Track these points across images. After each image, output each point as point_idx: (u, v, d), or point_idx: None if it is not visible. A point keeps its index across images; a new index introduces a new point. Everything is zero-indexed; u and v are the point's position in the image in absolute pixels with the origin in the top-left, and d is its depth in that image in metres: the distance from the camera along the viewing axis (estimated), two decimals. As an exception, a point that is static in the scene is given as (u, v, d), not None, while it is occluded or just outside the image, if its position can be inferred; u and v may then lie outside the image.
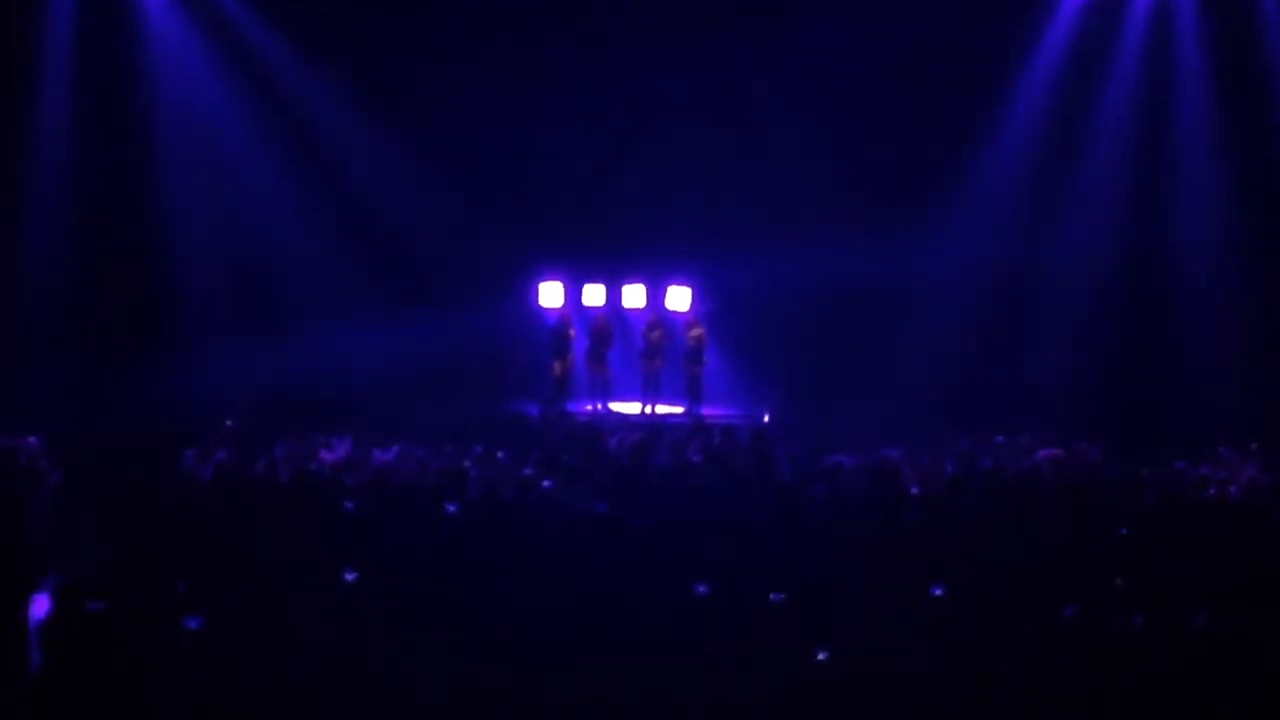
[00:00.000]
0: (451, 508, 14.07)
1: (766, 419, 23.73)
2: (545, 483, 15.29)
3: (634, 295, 26.15)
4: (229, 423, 19.90)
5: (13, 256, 23.71)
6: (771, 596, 11.52)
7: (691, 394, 24.70)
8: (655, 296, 25.98)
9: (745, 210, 25.40)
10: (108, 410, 21.44)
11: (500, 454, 17.44)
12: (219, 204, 25.15)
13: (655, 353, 24.89)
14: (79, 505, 14.62)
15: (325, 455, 17.58)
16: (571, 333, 24.93)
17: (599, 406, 24.72)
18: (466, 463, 16.75)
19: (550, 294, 26.03)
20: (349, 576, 12.02)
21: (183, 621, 10.65)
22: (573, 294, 26.08)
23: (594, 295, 26.13)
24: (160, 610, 10.82)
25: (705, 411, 24.38)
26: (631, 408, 24.81)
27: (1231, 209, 24.78)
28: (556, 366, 24.76)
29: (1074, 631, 11.08)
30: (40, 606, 10.86)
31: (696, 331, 24.67)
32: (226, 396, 22.39)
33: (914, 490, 15.84)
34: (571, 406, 24.46)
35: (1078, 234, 25.42)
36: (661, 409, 24.72)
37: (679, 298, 25.87)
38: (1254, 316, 24.50)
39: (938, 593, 11.73)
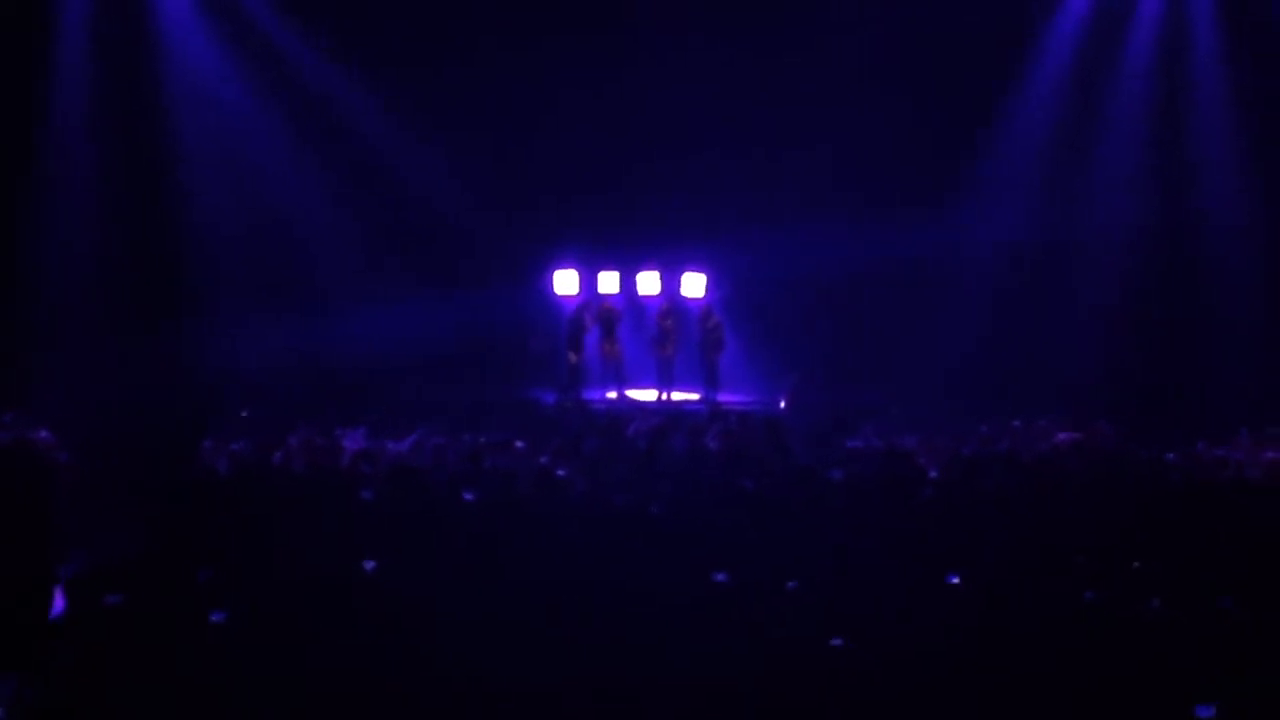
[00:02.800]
0: (469, 496, 14.07)
1: (783, 405, 23.72)
2: (560, 471, 15.29)
3: (648, 282, 26.15)
4: (244, 414, 19.94)
5: (33, 241, 23.73)
6: (788, 584, 11.50)
7: (708, 381, 24.69)
8: (670, 283, 25.99)
9: (760, 194, 25.48)
10: (126, 395, 21.47)
11: (519, 443, 17.45)
12: (240, 187, 25.23)
13: (667, 339, 24.88)
14: (96, 497, 14.63)
15: (346, 444, 17.57)
16: (587, 320, 24.90)
17: (616, 394, 24.71)
18: (483, 451, 16.73)
19: (566, 281, 26.05)
20: (368, 566, 12.02)
21: (205, 615, 10.64)
22: (588, 281, 26.09)
23: (609, 282, 26.14)
24: (180, 603, 10.82)
25: (721, 398, 24.37)
26: (648, 395, 24.81)
27: (1257, 186, 24.69)
28: (571, 355, 24.75)
29: (1092, 616, 11.06)
30: (55, 601, 10.87)
31: (714, 321, 24.64)
32: (245, 380, 22.51)
33: (932, 475, 15.80)
34: (588, 394, 24.48)
35: (1099, 214, 25.37)
36: (678, 396, 24.73)
37: (693, 284, 25.88)
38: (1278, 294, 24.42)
39: (954, 580, 11.71)
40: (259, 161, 25.41)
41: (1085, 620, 10.95)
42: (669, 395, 24.80)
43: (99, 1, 24.21)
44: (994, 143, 25.65)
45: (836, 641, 10.52)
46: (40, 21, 23.81)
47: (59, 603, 10.68)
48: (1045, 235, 25.54)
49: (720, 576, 11.75)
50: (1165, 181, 25.15)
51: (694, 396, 24.78)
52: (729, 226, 25.49)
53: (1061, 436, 18.11)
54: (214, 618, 10.63)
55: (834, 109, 24.79)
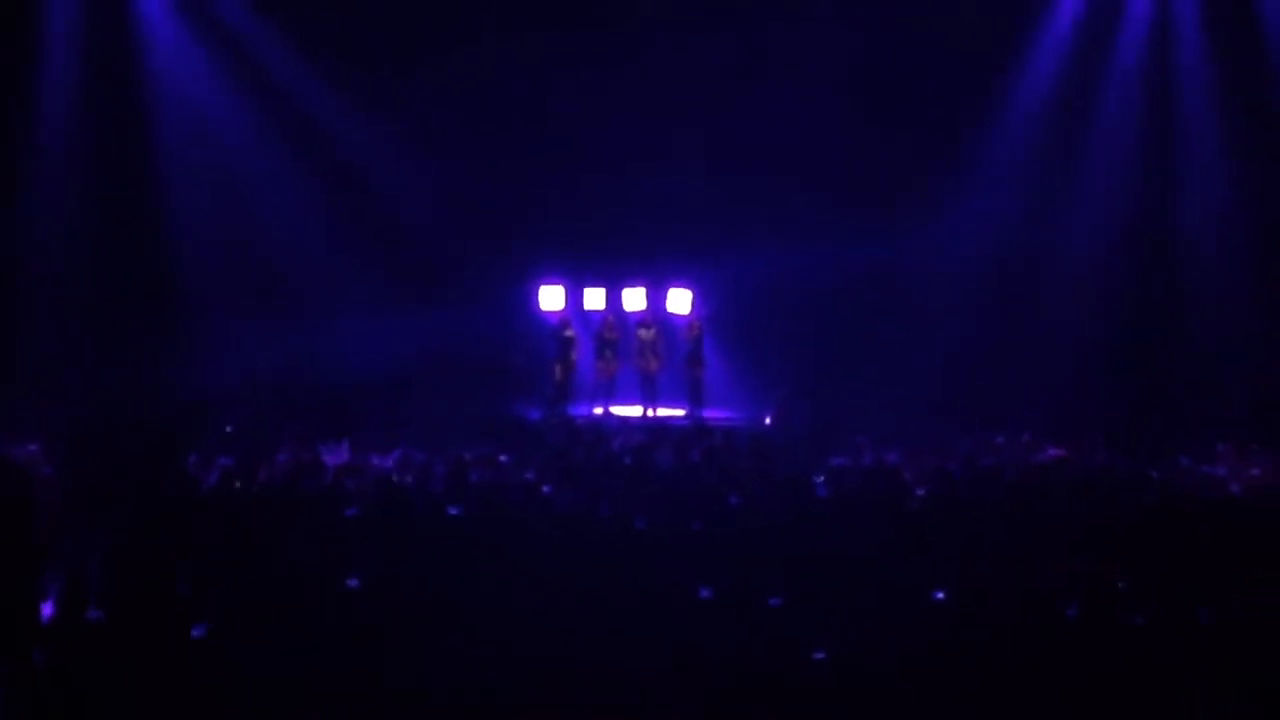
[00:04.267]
0: (454, 511, 14.06)
1: (768, 421, 23.70)
2: (546, 487, 15.28)
3: (634, 298, 26.12)
4: (229, 429, 19.88)
5: (15, 248, 23.60)
6: (770, 601, 11.51)
7: (692, 397, 24.67)
8: (656, 299, 25.94)
9: (744, 210, 25.37)
10: (108, 408, 21.39)
11: (503, 457, 17.43)
12: (224, 199, 25.09)
13: (648, 354, 24.85)
14: (79, 511, 14.60)
15: (328, 460, 17.52)
16: (572, 335, 24.89)
17: (601, 410, 24.68)
18: (468, 466, 16.69)
19: (551, 297, 26.00)
20: (352, 583, 12.01)
21: (187, 630, 10.64)
22: (573, 297, 26.05)
23: (594, 298, 26.11)
24: (163, 618, 10.80)
25: (707, 414, 24.35)
26: (633, 411, 24.78)
27: (1239, 200, 24.65)
28: (558, 369, 24.73)
29: (1077, 630, 11.07)
30: (43, 612, 10.85)
31: (694, 331, 24.64)
32: (228, 394, 22.42)
33: (918, 492, 15.80)
34: (573, 409, 24.44)
35: (1082, 225, 25.33)
36: (663, 412, 24.71)
37: (680, 300, 25.84)
38: (1261, 309, 24.35)
39: (939, 596, 11.72)
40: (243, 174, 25.25)
41: (1069, 635, 10.97)
42: (654, 411, 24.80)
43: (84, 12, 24.13)
44: (976, 154, 25.62)
45: (819, 655, 10.54)
46: (23, 33, 23.70)
47: (47, 613, 10.68)
48: (1027, 247, 25.50)
49: (705, 592, 11.75)
50: (1149, 193, 25.10)
51: (679, 412, 24.77)
52: (713, 242, 25.42)
53: (1048, 453, 18.13)
54: (195, 633, 10.63)
55: (817, 123, 24.63)
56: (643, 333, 24.98)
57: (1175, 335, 24.70)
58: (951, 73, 24.31)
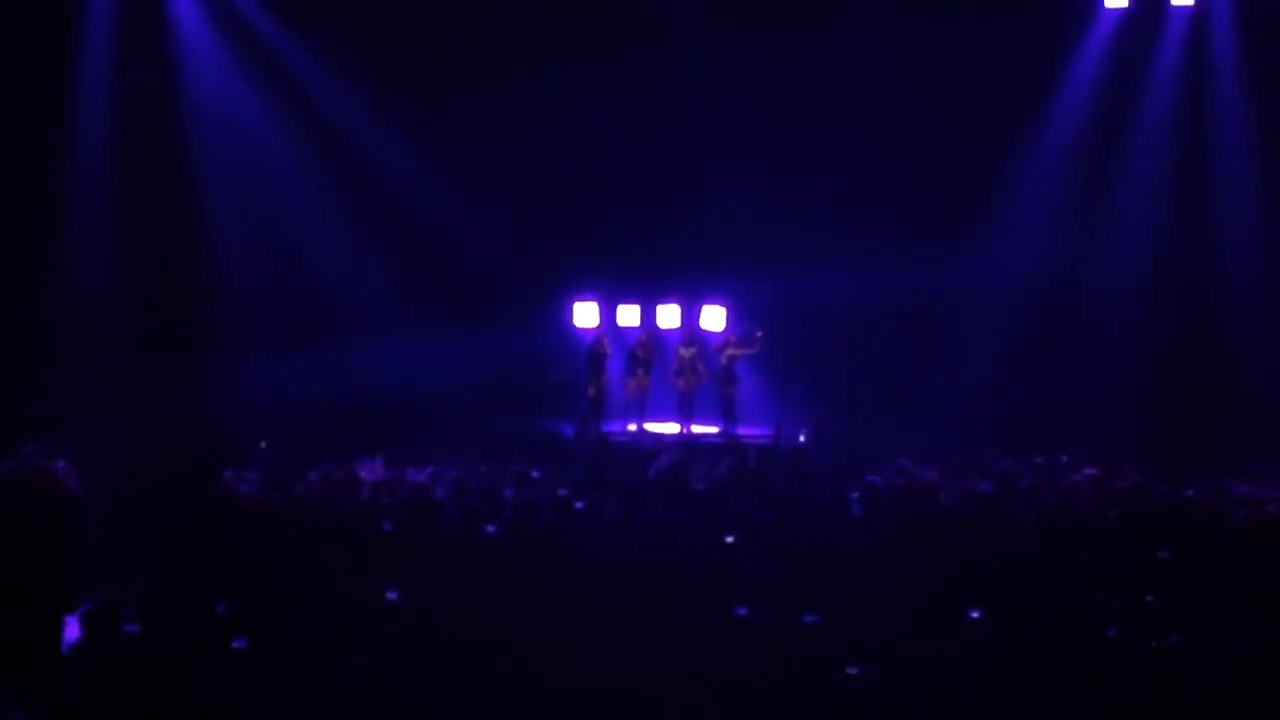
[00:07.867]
0: (491, 528, 14.07)
1: (802, 439, 23.64)
2: (578, 504, 15.26)
3: (669, 315, 26.11)
4: (263, 444, 19.92)
5: (51, 270, 23.64)
6: (805, 618, 11.47)
7: (726, 414, 24.64)
8: (690, 316, 25.92)
9: (781, 228, 25.33)
10: (146, 427, 21.44)
11: (535, 473, 17.42)
12: (261, 221, 25.15)
13: (687, 370, 24.84)
14: (116, 527, 14.66)
15: (364, 475, 17.54)
16: (607, 351, 24.89)
17: (635, 427, 24.66)
18: (502, 482, 16.71)
19: (585, 314, 26.01)
20: (390, 595, 12.02)
21: (227, 643, 10.64)
22: (608, 314, 26.05)
23: (629, 315, 26.10)
24: (199, 632, 10.81)
25: (741, 432, 24.31)
26: (667, 428, 24.76)
27: (1277, 218, 24.56)
28: (591, 386, 24.74)
29: (1114, 652, 11.01)
30: (70, 630, 10.87)
31: (730, 351, 24.61)
32: (265, 412, 22.44)
33: (952, 511, 15.74)
34: (607, 426, 24.44)
35: (1120, 247, 25.23)
36: (697, 429, 24.67)
37: (713, 317, 25.81)
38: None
39: (975, 615, 11.67)
40: (281, 195, 25.39)
41: (1106, 657, 10.91)
42: (689, 429, 24.79)
43: (123, 40, 24.18)
44: (1015, 177, 25.59)
45: (853, 670, 10.52)
46: (63, 59, 23.77)
47: (73, 632, 10.70)
48: (1066, 269, 25.41)
49: (741, 610, 11.72)
50: (1186, 214, 25.01)
51: (713, 430, 24.74)
52: (749, 260, 25.40)
53: (1084, 473, 18.03)
54: (236, 644, 10.64)
55: (855, 142, 24.69)
56: (684, 351, 24.98)
57: (1217, 358, 24.55)
58: (990, 94, 24.27)
